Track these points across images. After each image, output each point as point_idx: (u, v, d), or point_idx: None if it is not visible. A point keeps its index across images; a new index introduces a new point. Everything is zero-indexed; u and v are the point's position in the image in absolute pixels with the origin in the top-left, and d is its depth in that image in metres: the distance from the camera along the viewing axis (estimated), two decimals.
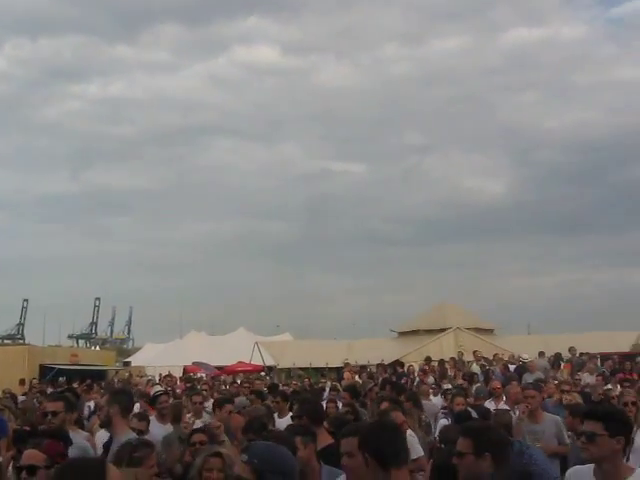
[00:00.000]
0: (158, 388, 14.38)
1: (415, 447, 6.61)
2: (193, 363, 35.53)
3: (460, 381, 15.41)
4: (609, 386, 12.71)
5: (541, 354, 21.47)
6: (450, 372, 18.36)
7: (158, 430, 7.69)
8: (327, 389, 15.50)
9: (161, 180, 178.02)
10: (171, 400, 9.76)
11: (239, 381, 20.46)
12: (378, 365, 22.24)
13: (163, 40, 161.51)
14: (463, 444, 4.24)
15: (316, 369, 30.38)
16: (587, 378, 15.16)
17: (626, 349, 30.35)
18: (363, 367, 23.62)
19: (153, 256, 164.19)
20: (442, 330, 31.97)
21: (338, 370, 25.05)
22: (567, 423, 7.21)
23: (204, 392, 13.14)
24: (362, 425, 4.75)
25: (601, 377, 14.02)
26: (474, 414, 8.90)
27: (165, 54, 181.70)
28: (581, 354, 21.98)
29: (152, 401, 9.84)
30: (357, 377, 19.72)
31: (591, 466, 4.12)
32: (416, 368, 21.06)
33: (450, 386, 14.65)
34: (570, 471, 4.46)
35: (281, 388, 14.59)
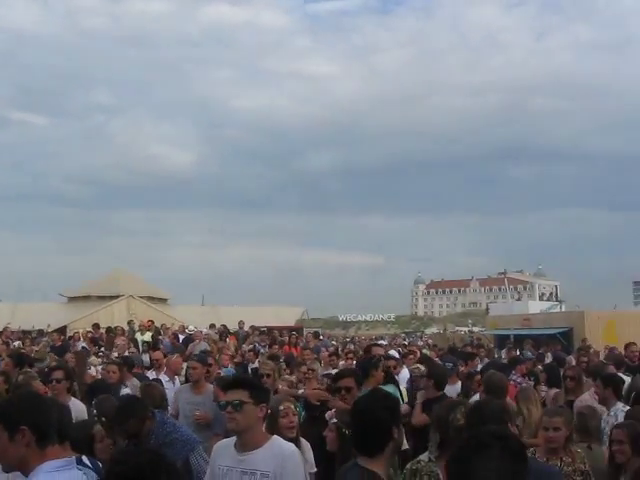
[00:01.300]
0: None
1: None
2: None
3: (130, 351, 15.05)
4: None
5: (212, 326, 21.79)
6: (119, 341, 17.79)
7: None
8: None
9: None
10: None
11: None
12: (39, 331, 21.11)
13: None
14: None
15: None
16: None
17: (292, 323, 32.19)
18: (26, 332, 22.08)
19: None
20: (114, 297, 31.27)
21: None
22: (215, 393, 7.29)
23: None
24: None
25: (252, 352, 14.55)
26: (136, 382, 8.65)
27: None
28: (251, 327, 22.66)
29: None
30: (19, 343, 18.32)
31: (234, 438, 4.11)
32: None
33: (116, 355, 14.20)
34: (215, 446, 4.39)
35: None
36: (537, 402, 7.00)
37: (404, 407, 7.44)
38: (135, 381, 8.78)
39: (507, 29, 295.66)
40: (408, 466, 4.45)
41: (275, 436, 4.15)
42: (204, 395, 7.58)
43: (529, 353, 16.70)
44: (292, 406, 5.25)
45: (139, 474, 2.61)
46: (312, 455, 5.33)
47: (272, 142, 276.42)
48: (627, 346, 12.69)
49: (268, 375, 7.94)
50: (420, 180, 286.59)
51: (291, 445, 4.14)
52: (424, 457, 4.41)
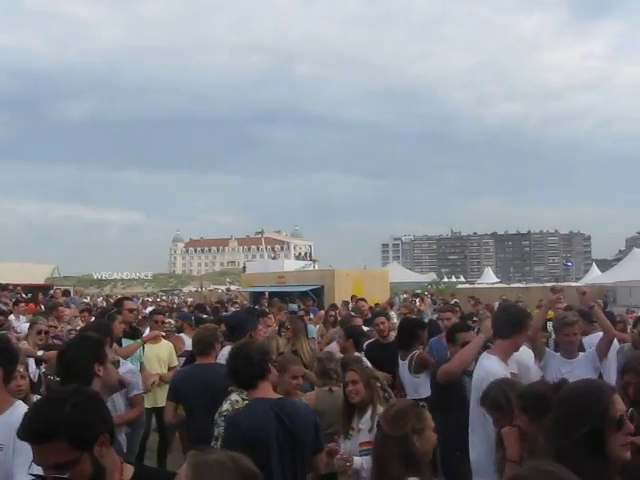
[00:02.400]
0: None
1: None
2: None
3: None
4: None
5: None
6: None
7: None
8: None
9: None
10: None
11: None
12: None
13: None
14: None
15: None
16: None
17: (41, 281, 30.55)
18: None
19: None
20: None
21: None
22: None
23: None
24: None
25: None
26: None
27: None
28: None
29: None
30: None
31: None
32: None
33: None
34: None
35: None
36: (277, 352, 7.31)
37: None
38: None
39: None
40: (228, 407, 4.70)
41: (18, 402, 3.80)
42: None
43: (295, 307, 17.38)
44: (21, 369, 4.94)
45: None
46: None
47: (22, 86, 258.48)
48: (356, 301, 13.95)
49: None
50: (181, 137, 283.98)
51: None
52: (236, 398, 4.71)
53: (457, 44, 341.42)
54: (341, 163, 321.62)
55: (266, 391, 4.29)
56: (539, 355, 6.26)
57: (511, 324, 5.03)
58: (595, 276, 61.62)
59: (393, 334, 8.29)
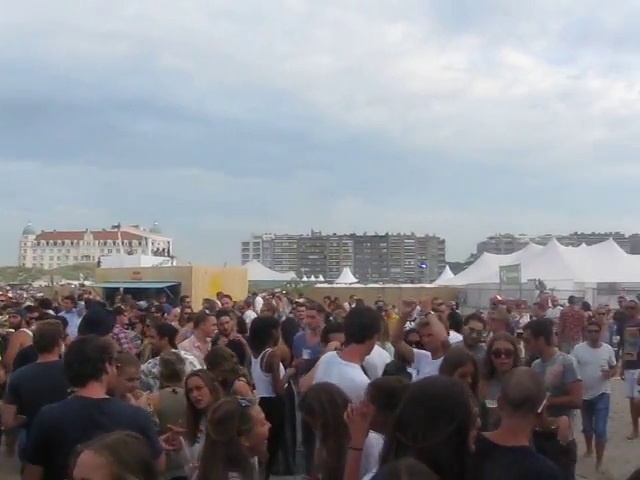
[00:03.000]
0: None
1: None
2: None
3: None
4: None
5: None
6: None
7: None
8: None
9: None
10: None
11: None
12: None
13: None
14: None
15: None
16: None
17: None
18: None
19: None
20: None
21: None
22: None
23: None
24: None
25: None
26: None
27: None
28: None
29: None
30: None
31: None
32: None
33: None
34: None
35: None
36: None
37: None
38: None
39: None
40: None
41: None
42: None
43: (143, 303, 17.10)
44: None
45: None
46: None
47: None
48: (221, 298, 14.17)
49: None
50: (35, 123, 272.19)
51: None
52: None
53: (324, 47, 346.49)
54: (203, 159, 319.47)
55: (94, 391, 3.92)
56: (408, 358, 6.36)
57: (364, 328, 5.00)
58: (448, 278, 64.19)
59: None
